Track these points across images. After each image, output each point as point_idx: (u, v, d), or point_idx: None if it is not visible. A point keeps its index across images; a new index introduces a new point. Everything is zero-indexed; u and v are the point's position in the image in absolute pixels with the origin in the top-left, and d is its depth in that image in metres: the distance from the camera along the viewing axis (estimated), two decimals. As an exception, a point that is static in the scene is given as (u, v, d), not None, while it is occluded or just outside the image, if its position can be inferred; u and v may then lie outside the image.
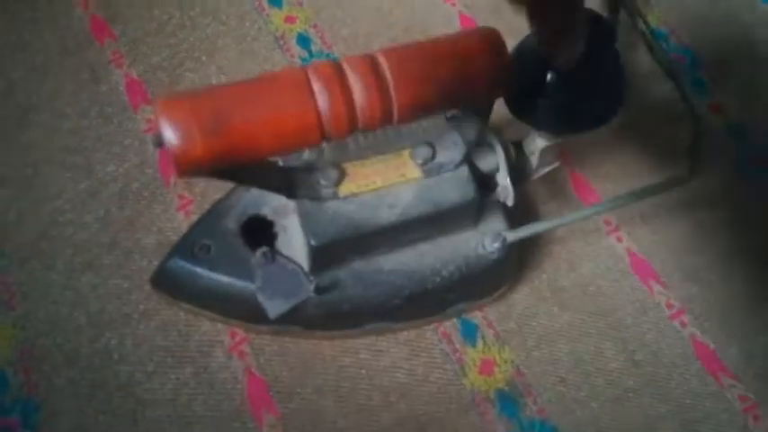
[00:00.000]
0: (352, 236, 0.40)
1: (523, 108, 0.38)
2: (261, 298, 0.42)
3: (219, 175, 0.33)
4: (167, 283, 0.45)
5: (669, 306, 0.48)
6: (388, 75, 0.32)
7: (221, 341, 0.46)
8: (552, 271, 0.49)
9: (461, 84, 0.33)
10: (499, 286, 0.47)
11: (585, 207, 0.51)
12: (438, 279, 0.43)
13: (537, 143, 0.44)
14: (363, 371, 0.45)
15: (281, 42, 0.58)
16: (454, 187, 0.41)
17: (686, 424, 0.44)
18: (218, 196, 0.48)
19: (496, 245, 0.44)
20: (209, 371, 0.45)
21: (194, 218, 0.49)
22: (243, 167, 0.35)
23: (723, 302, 0.48)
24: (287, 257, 0.43)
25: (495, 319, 0.47)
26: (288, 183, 0.40)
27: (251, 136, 0.30)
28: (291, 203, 0.43)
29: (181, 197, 0.50)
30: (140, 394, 0.44)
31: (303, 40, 0.58)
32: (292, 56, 0.57)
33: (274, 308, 0.42)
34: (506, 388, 0.45)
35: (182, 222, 0.49)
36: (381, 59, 0.32)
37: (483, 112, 0.39)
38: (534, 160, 0.45)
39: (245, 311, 0.44)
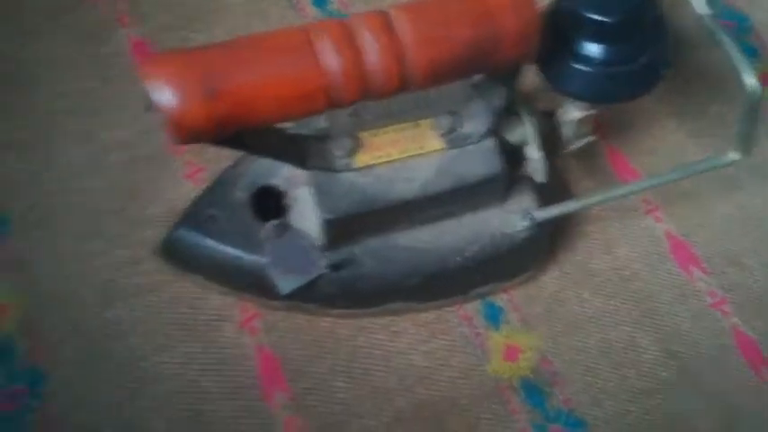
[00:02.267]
0: (366, 211, 0.37)
1: (557, 74, 0.35)
2: (271, 273, 0.40)
3: (223, 142, 0.31)
4: (175, 253, 0.43)
5: (710, 294, 0.45)
6: (403, 35, 0.29)
7: (232, 316, 0.44)
8: (585, 253, 0.46)
9: (484, 45, 0.29)
10: (526, 268, 0.44)
11: (623, 184, 0.47)
12: (460, 259, 0.41)
13: (572, 113, 0.40)
14: (379, 352, 0.43)
15: (295, 2, 0.55)
16: (479, 160, 0.38)
17: (725, 420, 0.41)
18: (229, 164, 0.46)
19: (524, 224, 0.40)
20: (219, 346, 0.43)
21: (204, 186, 0.47)
22: (249, 134, 0.32)
23: (767, 291, 0.44)
24: (299, 231, 0.40)
25: (522, 303, 0.44)
26: (299, 152, 0.37)
27: (250, 101, 0.28)
28: (304, 174, 0.40)
29: (189, 164, 0.48)
30: (148, 368, 0.42)
31: (319, 0, 0.55)
32: (306, 17, 0.54)
33: (286, 284, 0.40)
34: (531, 376, 0.42)
35: (191, 191, 0.47)
36: (395, 17, 0.29)
37: (509, 79, 0.35)
38: (568, 132, 0.41)
39: (256, 286, 0.42)
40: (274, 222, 0.40)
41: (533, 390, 0.42)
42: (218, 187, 0.42)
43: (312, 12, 0.54)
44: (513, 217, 0.41)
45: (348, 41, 0.28)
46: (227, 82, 0.27)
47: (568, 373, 0.43)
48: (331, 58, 0.28)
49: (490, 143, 0.38)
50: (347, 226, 0.38)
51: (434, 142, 0.38)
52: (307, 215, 0.40)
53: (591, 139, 0.42)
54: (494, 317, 0.44)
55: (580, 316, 0.44)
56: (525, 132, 0.40)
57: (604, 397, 0.42)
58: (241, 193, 0.42)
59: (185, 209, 0.43)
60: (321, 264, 0.39)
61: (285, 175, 0.42)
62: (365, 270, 0.40)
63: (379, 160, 0.38)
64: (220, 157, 0.47)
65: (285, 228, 0.40)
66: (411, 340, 0.43)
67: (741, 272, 0.45)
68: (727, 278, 0.45)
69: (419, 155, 0.38)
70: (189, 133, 0.28)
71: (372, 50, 0.28)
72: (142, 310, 0.44)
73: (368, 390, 0.42)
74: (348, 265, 0.40)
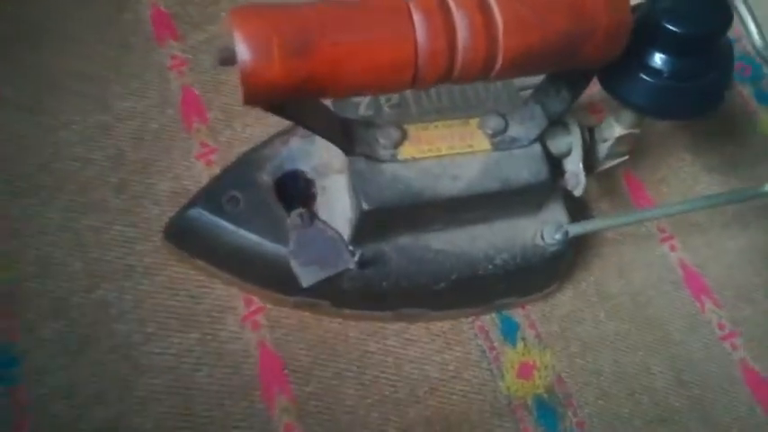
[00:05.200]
0: (408, 205, 0.35)
1: (622, 84, 0.34)
2: (294, 263, 0.37)
3: (283, 110, 0.28)
4: (185, 234, 0.39)
5: (720, 326, 0.45)
6: (497, 16, 0.27)
7: (234, 308, 0.40)
8: (600, 275, 0.45)
9: (575, 37, 0.28)
10: (550, 283, 0.42)
11: (657, 207, 0.47)
12: (490, 266, 0.39)
13: (614, 130, 0.40)
14: (390, 359, 0.40)
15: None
16: (526, 166, 0.37)
17: (733, 454, 0.41)
18: (245, 149, 0.44)
19: (558, 237, 0.39)
20: (218, 339, 0.40)
21: (217, 169, 0.44)
22: (305, 107, 0.30)
23: (777, 328, 0.45)
24: (326, 223, 0.38)
25: (538, 320, 0.43)
26: (346, 135, 0.35)
27: (338, 63, 0.25)
28: (335, 163, 0.38)
29: (203, 144, 0.45)
30: (137, 357, 0.38)
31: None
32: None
33: (308, 276, 0.37)
34: (545, 395, 0.41)
35: (202, 172, 0.44)
36: (492, -1, 0.27)
37: (579, 83, 0.34)
38: (604, 149, 0.41)
39: (270, 277, 0.39)
40: (300, 211, 0.37)
41: (547, 410, 0.41)
42: (242, 168, 0.39)
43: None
44: (545, 229, 0.40)
45: (444, 16, 0.26)
46: (320, 39, 0.25)
47: (582, 395, 0.41)
48: (426, 31, 0.26)
49: (537, 149, 0.37)
50: (384, 219, 0.36)
51: (482, 142, 0.37)
52: (336, 206, 0.38)
53: (624, 158, 0.42)
54: (510, 332, 0.42)
55: (595, 338, 0.43)
56: (569, 143, 0.39)
57: (618, 423, 0.41)
58: (266, 177, 0.39)
59: (202, 188, 0.40)
60: (347, 258, 0.37)
61: (313, 163, 0.39)
62: (392, 270, 0.38)
63: (426, 154, 0.36)
64: (236, 141, 0.45)
65: (311, 218, 0.38)
66: (424, 349, 0.41)
67: (753, 307, 0.45)
68: (739, 312, 0.45)
69: (466, 153, 0.36)
70: (264, 90, 0.25)
71: (465, 28, 0.27)
72: (134, 294, 0.40)
73: (377, 398, 0.39)
74: (376, 264, 0.37)
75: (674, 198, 0.49)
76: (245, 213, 0.38)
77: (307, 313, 0.41)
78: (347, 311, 0.40)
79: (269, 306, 0.41)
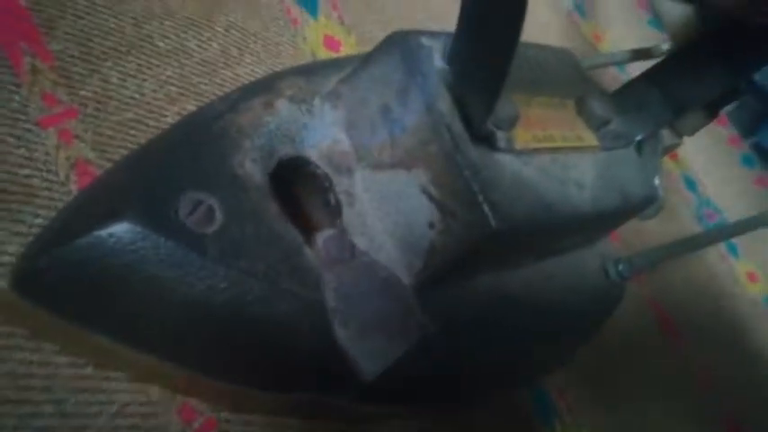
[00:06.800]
0: (538, 225, 0.21)
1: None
2: (344, 336, 0.19)
3: None
4: (71, 279, 0.17)
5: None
6: None
7: (163, 428, 0.20)
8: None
9: None
10: (595, 334, 0.32)
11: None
12: (564, 320, 0.27)
13: (661, 136, 0.32)
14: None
15: None
16: (635, 174, 0.26)
17: None
18: (131, 115, 0.24)
19: (625, 273, 0.29)
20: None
21: (81, 146, 0.23)
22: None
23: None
24: (368, 255, 0.21)
25: (564, 383, 0.32)
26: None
27: None
28: (373, 150, 0.22)
29: (49, 100, 0.23)
30: None
31: None
32: None
33: (372, 360, 0.19)
34: (601, 492, 0.30)
35: (52, 148, 0.22)
36: None
37: (744, 59, 0.25)
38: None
39: (260, 361, 0.20)
40: (333, 233, 0.20)
41: None
42: (202, 144, 0.20)
43: None
44: (609, 262, 0.29)
45: None
46: None
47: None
48: None
49: (634, 152, 0.27)
50: (502, 248, 0.21)
51: (588, 135, 0.25)
52: (378, 226, 0.21)
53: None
54: (544, 408, 0.30)
55: (615, 398, 0.34)
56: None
57: None
58: (251, 166, 0.20)
59: (108, 180, 0.19)
60: (418, 320, 0.21)
61: (321, 146, 0.22)
62: (473, 333, 0.23)
63: (541, 144, 0.22)
64: (113, 101, 0.25)
65: (352, 247, 0.20)
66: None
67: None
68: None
69: (577, 148, 0.24)
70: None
71: None
72: None
73: None
74: (456, 323, 0.22)
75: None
76: (230, 236, 0.18)
77: (293, 420, 0.22)
78: (370, 409, 0.23)
79: (223, 416, 0.21)
